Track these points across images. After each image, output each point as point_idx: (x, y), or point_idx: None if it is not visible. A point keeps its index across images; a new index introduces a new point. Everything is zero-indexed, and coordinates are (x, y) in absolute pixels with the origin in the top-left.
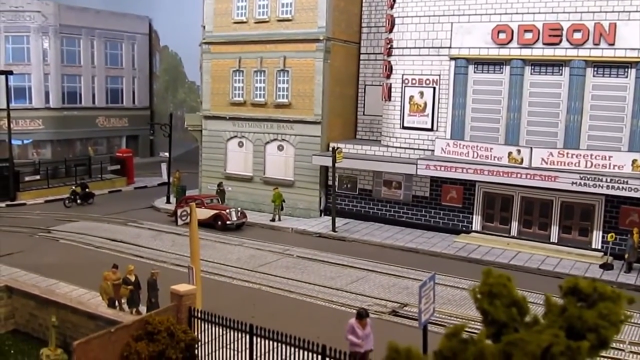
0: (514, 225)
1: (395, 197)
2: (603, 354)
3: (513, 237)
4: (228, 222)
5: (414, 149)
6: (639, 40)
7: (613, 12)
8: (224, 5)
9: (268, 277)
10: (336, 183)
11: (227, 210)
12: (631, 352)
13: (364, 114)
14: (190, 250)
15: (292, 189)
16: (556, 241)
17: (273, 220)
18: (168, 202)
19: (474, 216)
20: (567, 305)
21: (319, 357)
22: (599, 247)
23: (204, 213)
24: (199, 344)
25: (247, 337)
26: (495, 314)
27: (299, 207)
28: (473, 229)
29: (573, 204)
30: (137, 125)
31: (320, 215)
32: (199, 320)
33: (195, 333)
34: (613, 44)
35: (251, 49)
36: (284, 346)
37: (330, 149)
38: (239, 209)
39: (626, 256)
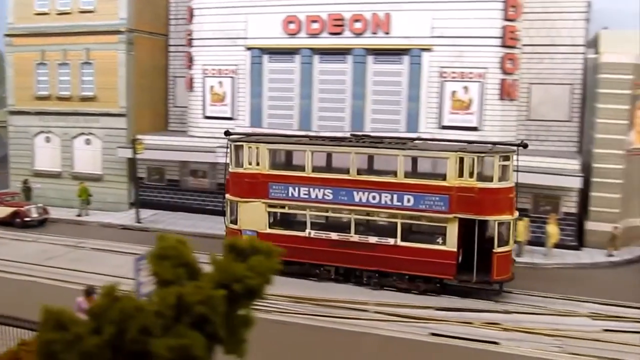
0: None
1: (202, 186)
2: (354, 315)
3: None
4: (27, 219)
5: (216, 137)
6: (411, 29)
7: (387, 2)
8: None
9: (52, 269)
10: (144, 175)
11: (26, 207)
12: (376, 312)
13: (175, 106)
14: None
15: (101, 182)
16: None
17: (79, 215)
18: None
19: None
20: (223, 261)
21: None
22: None
23: (2, 211)
24: None
25: None
26: (163, 274)
27: (109, 201)
28: None
29: None
30: None
31: (130, 208)
32: None
33: None
34: (388, 33)
35: (54, 41)
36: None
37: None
38: (41, 205)
39: None
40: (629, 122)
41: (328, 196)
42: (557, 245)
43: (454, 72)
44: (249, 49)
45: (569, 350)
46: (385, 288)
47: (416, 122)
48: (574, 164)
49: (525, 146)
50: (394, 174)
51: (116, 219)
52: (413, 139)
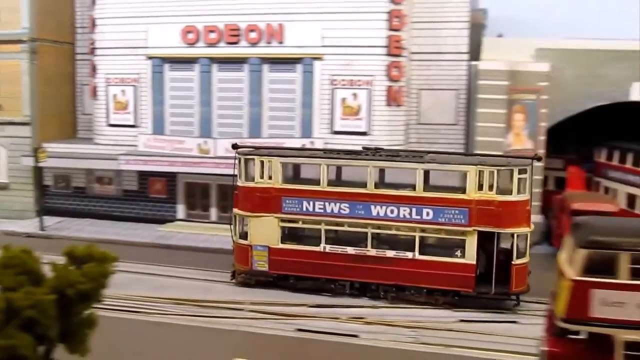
0: (213, 211)
1: (108, 192)
2: (230, 314)
3: (213, 222)
4: None
5: (121, 145)
6: (303, 38)
7: (281, 13)
8: None
9: None
10: (50, 182)
11: None
12: (251, 310)
13: (83, 113)
14: None
15: (7, 191)
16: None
17: None
18: None
19: (178, 205)
20: (61, 267)
21: None
22: None
23: None
24: None
25: None
26: (5, 282)
27: (15, 209)
28: (178, 217)
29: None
30: None
31: (37, 216)
32: None
33: None
34: (282, 43)
35: None
36: None
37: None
38: None
39: None
40: (505, 125)
41: (344, 210)
42: None
43: (343, 80)
44: (150, 58)
45: (422, 341)
46: (402, 302)
47: (310, 127)
48: None
49: (539, 159)
50: (412, 187)
51: (21, 227)
52: (427, 152)
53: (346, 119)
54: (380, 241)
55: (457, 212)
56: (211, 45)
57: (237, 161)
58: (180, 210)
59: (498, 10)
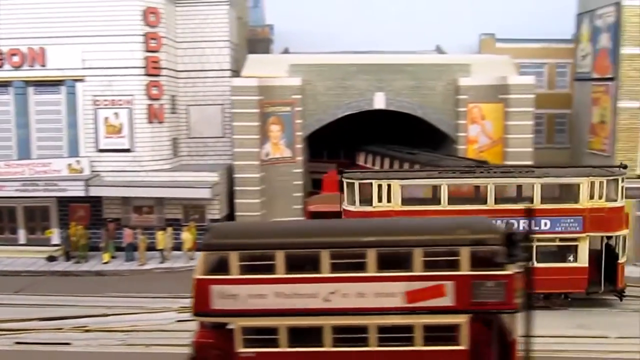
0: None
1: None
2: None
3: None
4: None
5: None
6: (64, 61)
7: (42, 37)
8: None
9: None
10: None
11: None
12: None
13: None
14: None
15: None
16: (25, 242)
17: None
18: None
19: None
20: None
21: None
22: (59, 242)
23: None
24: None
25: None
26: None
27: None
28: None
29: (33, 208)
30: None
31: None
32: None
33: None
34: (45, 66)
35: None
36: None
37: None
38: None
39: (63, 247)
40: (261, 137)
41: None
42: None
43: (105, 100)
44: None
45: (128, 342)
46: None
47: (76, 147)
48: (213, 177)
49: (625, 167)
50: (529, 200)
51: None
52: (533, 167)
53: (110, 137)
54: None
55: (572, 220)
56: None
57: (346, 186)
58: None
59: (286, 26)
